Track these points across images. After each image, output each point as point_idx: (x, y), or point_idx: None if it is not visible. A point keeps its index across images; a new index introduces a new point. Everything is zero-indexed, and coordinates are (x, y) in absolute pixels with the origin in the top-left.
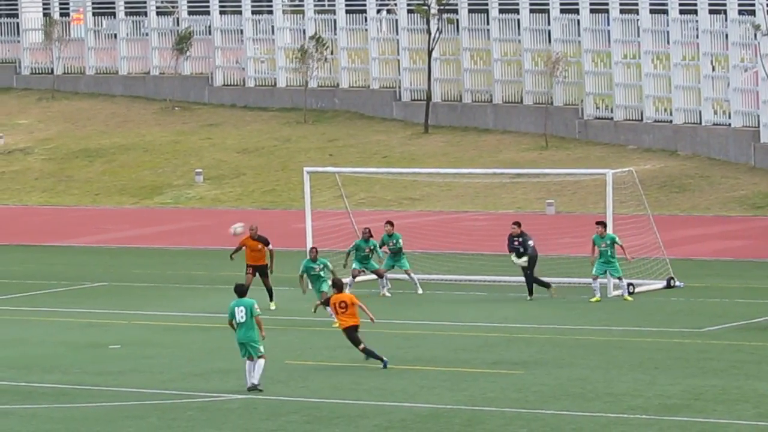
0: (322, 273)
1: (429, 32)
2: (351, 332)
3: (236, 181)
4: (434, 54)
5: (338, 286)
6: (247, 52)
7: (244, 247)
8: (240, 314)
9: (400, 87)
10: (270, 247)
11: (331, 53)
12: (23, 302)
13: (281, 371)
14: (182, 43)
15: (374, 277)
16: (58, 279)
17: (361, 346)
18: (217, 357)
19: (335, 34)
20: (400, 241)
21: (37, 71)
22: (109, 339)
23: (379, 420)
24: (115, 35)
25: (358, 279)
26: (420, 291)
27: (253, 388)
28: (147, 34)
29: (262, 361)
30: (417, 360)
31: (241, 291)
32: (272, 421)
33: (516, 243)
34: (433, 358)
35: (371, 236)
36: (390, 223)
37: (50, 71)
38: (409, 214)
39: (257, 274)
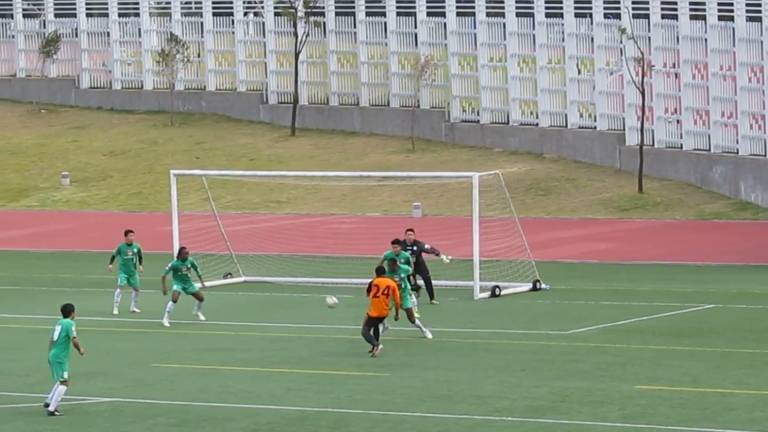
0: (189, 273)
1: (296, 35)
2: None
3: (103, 183)
4: (301, 57)
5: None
6: (113, 54)
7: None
8: (56, 333)
9: (267, 90)
10: None
11: (198, 56)
12: None
13: (148, 374)
14: (49, 45)
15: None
16: None
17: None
18: (82, 360)
19: (202, 36)
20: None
21: None
22: None
23: (245, 423)
24: None
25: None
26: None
27: (49, 412)
28: (13, 36)
29: (62, 388)
30: (283, 362)
31: (65, 311)
32: (138, 424)
33: (410, 251)
34: (299, 360)
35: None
36: None
37: None
38: (275, 216)
39: None
